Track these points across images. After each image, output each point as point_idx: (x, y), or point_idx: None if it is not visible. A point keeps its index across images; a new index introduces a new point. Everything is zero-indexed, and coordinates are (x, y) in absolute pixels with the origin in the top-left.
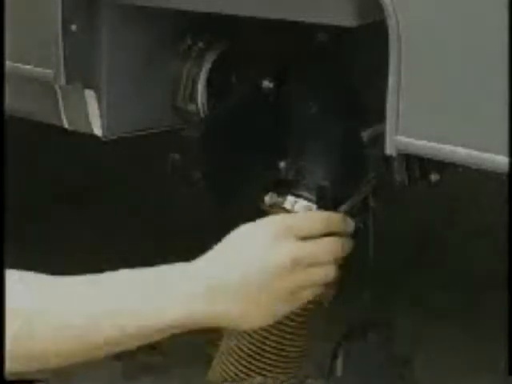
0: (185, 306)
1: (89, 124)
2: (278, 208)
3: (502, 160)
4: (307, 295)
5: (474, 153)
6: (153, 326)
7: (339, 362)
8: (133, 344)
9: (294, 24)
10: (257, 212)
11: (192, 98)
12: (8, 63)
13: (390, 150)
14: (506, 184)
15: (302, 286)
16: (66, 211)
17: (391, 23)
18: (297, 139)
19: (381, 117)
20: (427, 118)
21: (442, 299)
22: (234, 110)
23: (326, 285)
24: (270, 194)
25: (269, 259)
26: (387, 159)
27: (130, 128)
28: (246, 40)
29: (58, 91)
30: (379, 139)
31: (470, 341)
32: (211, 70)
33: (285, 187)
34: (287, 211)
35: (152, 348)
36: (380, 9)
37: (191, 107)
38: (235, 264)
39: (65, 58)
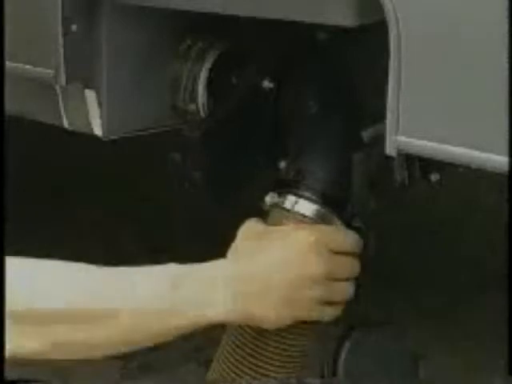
0: (225, 307)
1: (89, 124)
2: (278, 208)
3: (502, 160)
4: (330, 312)
5: (474, 153)
6: (193, 324)
7: (341, 362)
8: (169, 338)
9: (294, 24)
10: (257, 212)
11: (192, 97)
12: (8, 63)
13: (389, 150)
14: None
15: (327, 298)
16: (65, 211)
17: (391, 23)
18: (297, 139)
19: (381, 116)
20: (427, 118)
21: (442, 299)
22: (234, 110)
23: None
24: (270, 193)
25: (305, 267)
26: (387, 159)
27: (130, 128)
28: (246, 40)
29: (58, 91)
30: (379, 139)
31: (470, 341)
32: (211, 70)
33: (285, 187)
34: (287, 211)
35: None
36: (380, 9)
37: (191, 107)
38: (273, 266)
39: (65, 58)
